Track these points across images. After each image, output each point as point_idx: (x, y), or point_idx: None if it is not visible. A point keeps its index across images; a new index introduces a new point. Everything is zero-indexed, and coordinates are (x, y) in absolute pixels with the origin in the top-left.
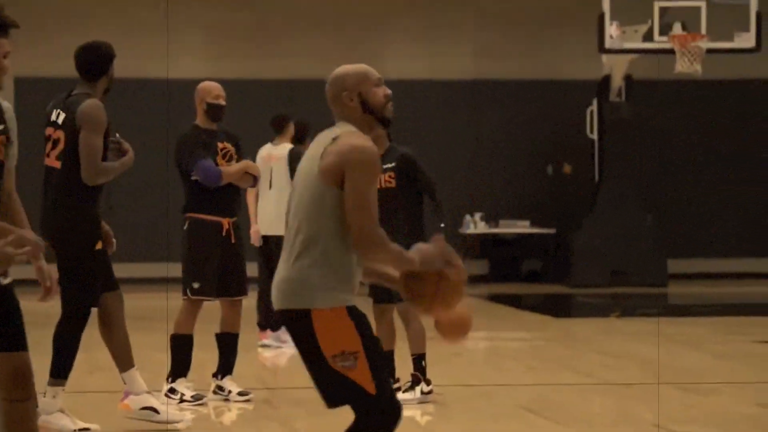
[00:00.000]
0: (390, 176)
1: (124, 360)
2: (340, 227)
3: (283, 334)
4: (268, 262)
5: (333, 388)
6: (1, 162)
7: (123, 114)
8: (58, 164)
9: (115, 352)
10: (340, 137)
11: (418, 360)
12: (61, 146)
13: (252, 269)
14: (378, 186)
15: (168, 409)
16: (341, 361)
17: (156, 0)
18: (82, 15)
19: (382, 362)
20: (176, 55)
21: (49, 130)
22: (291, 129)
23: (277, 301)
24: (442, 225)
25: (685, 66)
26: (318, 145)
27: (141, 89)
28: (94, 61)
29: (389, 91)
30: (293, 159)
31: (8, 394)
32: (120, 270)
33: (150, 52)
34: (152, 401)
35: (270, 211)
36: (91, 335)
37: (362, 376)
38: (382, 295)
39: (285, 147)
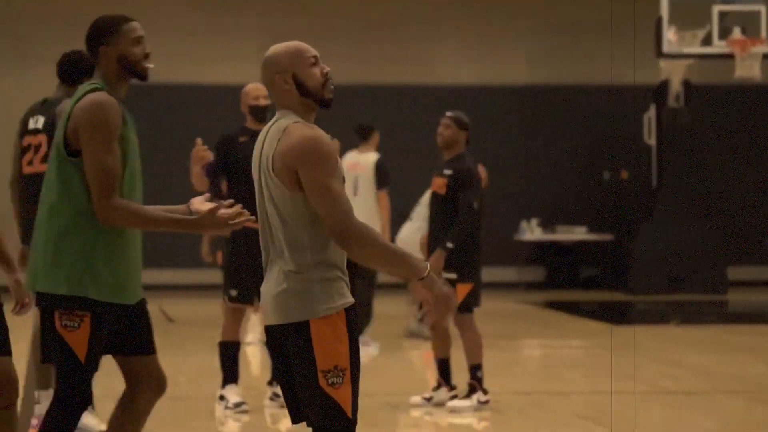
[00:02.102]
0: (444, 183)
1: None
2: (319, 228)
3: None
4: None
5: (313, 407)
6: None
7: (170, 118)
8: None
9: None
10: (287, 131)
11: (474, 369)
12: (43, 150)
13: None
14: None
15: None
16: (332, 377)
17: (211, 5)
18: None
19: (358, 385)
20: (230, 60)
21: (27, 139)
22: (376, 137)
23: (270, 317)
24: (449, 245)
25: (744, 71)
26: (270, 143)
27: (190, 94)
28: (75, 66)
29: (327, 69)
30: (380, 169)
31: None
32: (182, 276)
33: (201, 58)
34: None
35: None
36: None
37: (345, 397)
38: None
39: (370, 156)
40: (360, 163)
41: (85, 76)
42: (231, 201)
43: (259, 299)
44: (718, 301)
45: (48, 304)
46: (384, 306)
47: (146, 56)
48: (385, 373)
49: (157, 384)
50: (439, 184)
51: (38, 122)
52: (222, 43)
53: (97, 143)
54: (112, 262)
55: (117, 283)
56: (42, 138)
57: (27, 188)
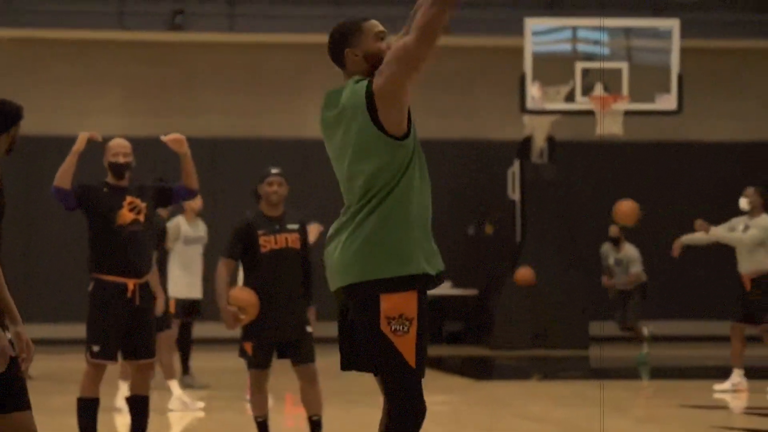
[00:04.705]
0: (296, 238)
1: None
2: None
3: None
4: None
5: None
6: None
7: (36, 171)
8: None
9: None
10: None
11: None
12: None
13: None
14: (284, 245)
15: None
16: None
17: (73, 55)
18: None
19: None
20: (93, 111)
21: None
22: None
23: None
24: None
25: (606, 127)
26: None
27: (55, 146)
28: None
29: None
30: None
31: None
32: (43, 331)
33: (66, 109)
34: None
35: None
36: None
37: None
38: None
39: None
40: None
41: (5, 131)
42: None
43: (127, 356)
44: (579, 356)
45: None
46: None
47: (389, 47)
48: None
49: None
50: (290, 239)
51: None
52: (85, 94)
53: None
54: None
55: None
56: None
57: None
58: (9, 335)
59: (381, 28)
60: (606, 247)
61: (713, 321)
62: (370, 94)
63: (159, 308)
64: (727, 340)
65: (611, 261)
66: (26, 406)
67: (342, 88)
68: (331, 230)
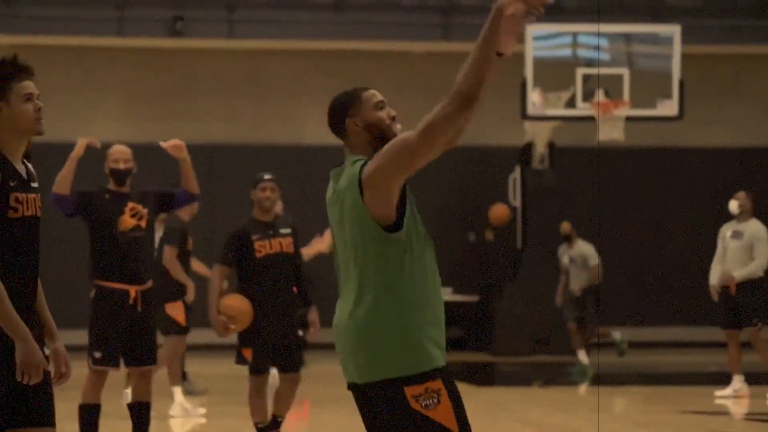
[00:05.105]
0: (290, 242)
1: None
2: None
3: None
4: None
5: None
6: (39, 219)
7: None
8: None
9: None
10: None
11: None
12: None
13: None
14: (279, 249)
15: None
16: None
17: (73, 62)
18: None
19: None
20: (93, 117)
21: None
22: None
23: None
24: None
25: (607, 133)
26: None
27: (55, 153)
28: None
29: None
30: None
31: None
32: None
33: (66, 115)
34: None
35: None
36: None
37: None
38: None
39: None
40: None
41: None
42: None
43: (128, 363)
44: (579, 362)
45: None
46: None
47: (393, 118)
48: None
49: None
50: (285, 244)
51: None
52: (85, 100)
53: None
54: None
55: None
56: None
57: None
58: (47, 351)
59: (380, 97)
60: (561, 247)
61: (705, 327)
62: (360, 180)
63: (190, 296)
64: (716, 346)
65: (566, 260)
66: (51, 422)
67: (344, 165)
68: (337, 312)
